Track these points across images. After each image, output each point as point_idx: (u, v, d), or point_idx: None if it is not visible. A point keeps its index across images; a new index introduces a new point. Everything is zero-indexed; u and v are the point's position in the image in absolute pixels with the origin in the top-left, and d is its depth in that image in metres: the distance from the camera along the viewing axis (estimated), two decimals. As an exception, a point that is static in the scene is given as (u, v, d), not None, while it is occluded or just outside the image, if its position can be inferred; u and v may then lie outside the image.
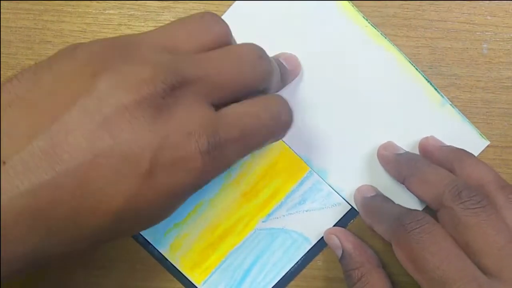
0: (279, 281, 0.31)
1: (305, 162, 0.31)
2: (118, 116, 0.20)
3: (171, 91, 0.21)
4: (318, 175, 0.31)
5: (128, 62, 0.22)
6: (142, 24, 0.31)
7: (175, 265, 0.31)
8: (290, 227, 0.31)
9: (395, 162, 0.30)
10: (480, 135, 0.31)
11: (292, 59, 0.30)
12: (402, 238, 0.25)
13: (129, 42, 0.23)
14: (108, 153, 0.20)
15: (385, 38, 0.31)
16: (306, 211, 0.31)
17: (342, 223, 0.31)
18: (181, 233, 0.31)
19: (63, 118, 0.20)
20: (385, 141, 0.31)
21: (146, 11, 0.31)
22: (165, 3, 0.31)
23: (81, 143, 0.20)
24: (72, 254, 0.22)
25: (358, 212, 0.31)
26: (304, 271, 0.32)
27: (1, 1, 0.31)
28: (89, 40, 0.31)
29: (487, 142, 0.31)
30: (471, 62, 0.31)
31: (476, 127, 0.31)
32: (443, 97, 0.31)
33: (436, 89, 0.31)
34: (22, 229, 0.20)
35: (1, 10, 0.31)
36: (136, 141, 0.20)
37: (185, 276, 0.31)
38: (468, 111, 0.31)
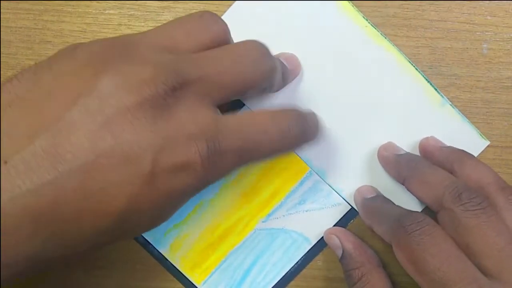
0: (279, 281, 0.31)
1: (305, 162, 0.31)
2: (119, 117, 0.20)
3: (172, 92, 0.21)
4: (318, 175, 0.31)
5: (128, 62, 0.22)
6: (142, 24, 0.31)
7: (175, 265, 0.31)
8: (290, 227, 0.31)
9: (395, 163, 0.30)
10: (480, 135, 0.31)
11: (292, 59, 0.30)
12: (403, 239, 0.25)
13: (128, 42, 0.23)
14: (110, 153, 0.20)
15: (385, 38, 0.31)
16: (306, 211, 0.31)
17: (342, 223, 0.31)
18: (181, 233, 0.31)
19: (65, 118, 0.20)
20: (385, 141, 0.31)
21: (146, 11, 0.31)
22: (165, 3, 0.31)
23: (84, 143, 0.20)
24: (73, 257, 0.22)
25: (358, 212, 0.31)
26: (304, 271, 0.32)
27: (1, 1, 0.31)
28: (89, 40, 0.31)
29: (487, 142, 0.31)
30: (471, 62, 0.31)
31: (476, 127, 0.31)
32: (443, 97, 0.31)
33: (436, 89, 0.31)
34: (24, 230, 0.19)
35: (1, 10, 0.31)
36: (137, 141, 0.21)
37: (185, 276, 0.31)
38: (468, 111, 0.31)
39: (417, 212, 0.26)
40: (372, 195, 0.30)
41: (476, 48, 0.31)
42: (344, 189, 0.31)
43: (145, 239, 0.31)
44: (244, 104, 0.31)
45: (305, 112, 0.27)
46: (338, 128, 0.31)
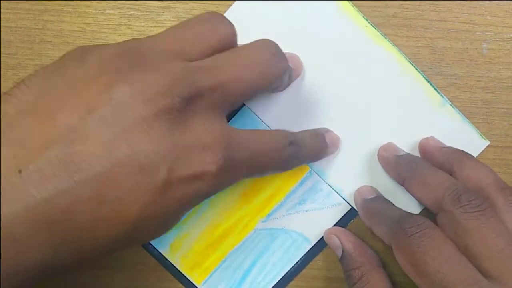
0: (279, 281, 0.31)
1: (305, 162, 0.31)
2: (136, 127, 0.20)
3: (186, 104, 0.22)
4: (318, 175, 0.31)
5: (142, 72, 0.21)
6: (142, 24, 0.31)
7: (175, 265, 0.31)
8: (290, 227, 0.31)
9: (395, 164, 0.30)
10: (480, 135, 0.31)
11: (294, 58, 0.30)
12: (403, 242, 0.25)
13: (140, 50, 0.23)
14: (125, 163, 0.20)
15: (385, 38, 0.31)
16: (306, 211, 0.31)
17: (342, 223, 0.31)
18: (181, 233, 0.31)
19: (80, 127, 0.20)
20: (385, 141, 0.31)
21: (146, 11, 0.31)
22: (165, 3, 0.31)
23: (99, 152, 0.20)
24: (84, 263, 0.22)
25: (358, 212, 0.31)
26: (304, 271, 0.32)
27: (1, 1, 0.31)
28: (89, 40, 0.31)
29: (487, 142, 0.31)
30: (471, 62, 0.31)
31: (476, 127, 0.31)
32: (443, 97, 0.31)
33: (436, 89, 0.31)
34: (38, 238, 0.19)
35: (1, 10, 0.31)
36: (153, 152, 0.21)
37: (185, 276, 0.31)
38: (468, 111, 0.31)
39: (417, 214, 0.26)
40: (372, 196, 0.30)
41: (476, 48, 0.31)
42: (344, 189, 0.31)
43: (145, 239, 0.32)
44: (244, 104, 0.31)
45: (316, 134, 0.29)
46: (338, 128, 0.31)
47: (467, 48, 0.31)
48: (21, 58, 0.31)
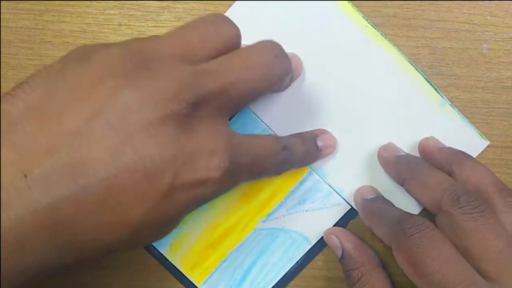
0: (279, 281, 0.31)
1: (305, 162, 0.31)
2: (142, 132, 0.20)
3: (193, 109, 0.22)
4: (318, 175, 0.31)
5: (148, 76, 0.21)
6: (142, 24, 0.31)
7: (175, 265, 0.31)
8: (290, 227, 0.31)
9: (395, 164, 0.30)
10: (480, 135, 0.31)
11: (295, 59, 0.30)
12: (402, 242, 0.25)
13: (145, 52, 0.22)
14: (131, 168, 0.20)
15: (385, 38, 0.31)
16: (306, 211, 0.31)
17: (342, 223, 0.31)
18: (181, 233, 0.31)
19: (85, 131, 0.20)
20: (385, 141, 0.31)
21: (146, 11, 0.31)
22: (165, 3, 0.31)
23: (105, 157, 0.20)
24: (85, 263, 0.22)
25: (358, 212, 0.31)
26: (304, 271, 0.32)
27: (1, 1, 0.31)
28: (89, 40, 0.31)
29: (487, 142, 0.31)
30: (471, 62, 0.31)
31: (476, 127, 0.31)
32: (443, 97, 0.31)
33: (436, 89, 0.31)
34: (41, 240, 0.19)
35: (1, 10, 0.31)
36: (160, 156, 0.21)
37: (185, 276, 0.31)
38: (468, 111, 0.31)
39: (417, 215, 0.26)
40: (372, 196, 0.30)
41: (476, 48, 0.31)
42: (344, 189, 0.31)
43: (145, 239, 0.32)
44: (244, 104, 0.31)
45: (305, 139, 0.29)
46: (338, 128, 0.31)
47: (467, 48, 0.31)
48: (21, 58, 0.31)
